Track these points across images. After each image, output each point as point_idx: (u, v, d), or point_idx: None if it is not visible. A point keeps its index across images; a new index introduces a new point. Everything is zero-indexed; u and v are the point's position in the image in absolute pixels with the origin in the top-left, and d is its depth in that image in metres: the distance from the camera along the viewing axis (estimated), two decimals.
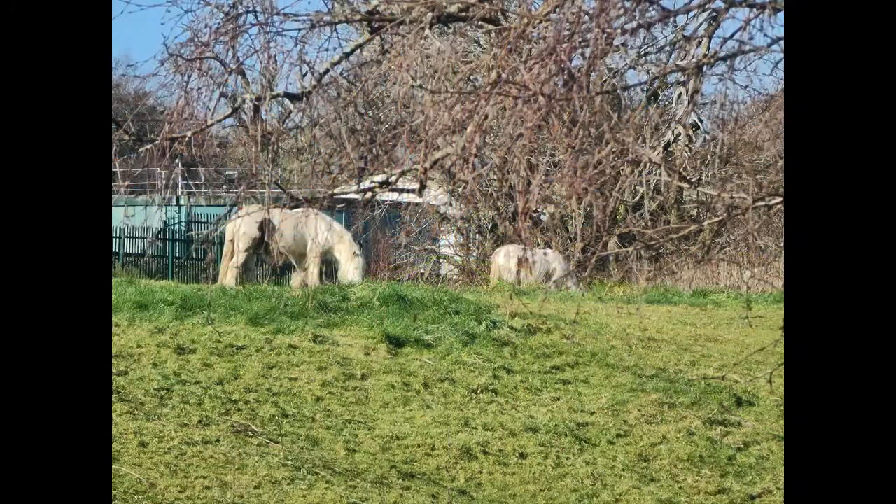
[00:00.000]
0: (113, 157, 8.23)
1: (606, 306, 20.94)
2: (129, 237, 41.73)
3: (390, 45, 8.86)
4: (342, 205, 31.95)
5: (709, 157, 33.57)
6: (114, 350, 14.29)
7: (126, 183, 9.24)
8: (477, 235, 39.03)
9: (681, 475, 13.35)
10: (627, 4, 7.32)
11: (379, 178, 8.60)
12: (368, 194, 8.90)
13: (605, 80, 8.81)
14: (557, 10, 7.35)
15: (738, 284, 29.40)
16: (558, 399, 15.09)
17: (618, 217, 36.26)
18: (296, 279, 25.40)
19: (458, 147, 7.59)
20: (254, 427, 12.79)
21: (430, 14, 8.24)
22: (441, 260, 40.10)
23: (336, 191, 8.88)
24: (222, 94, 8.87)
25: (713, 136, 35.71)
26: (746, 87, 31.92)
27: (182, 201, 48.68)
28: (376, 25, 8.55)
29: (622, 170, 9.14)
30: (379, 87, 10.66)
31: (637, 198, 37.48)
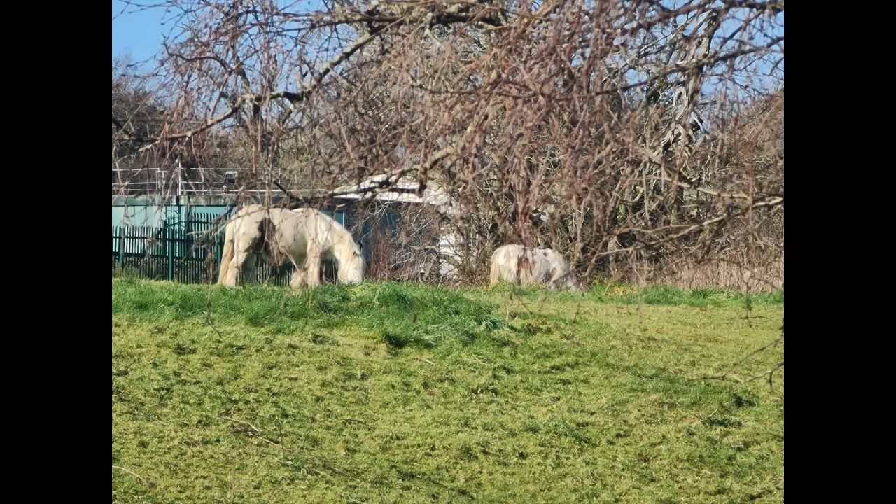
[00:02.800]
0: (113, 157, 8.23)
1: (606, 306, 20.95)
2: (129, 237, 41.72)
3: (390, 45, 8.85)
4: (342, 205, 31.95)
5: (709, 157, 33.57)
6: (114, 350, 14.29)
7: (126, 183, 9.20)
8: (477, 235, 39.04)
9: (681, 475, 13.35)
10: (627, 4, 7.32)
11: (379, 178, 8.59)
12: (368, 194, 8.90)
13: (605, 80, 8.81)
14: (557, 10, 7.35)
15: (738, 284, 29.40)
16: (558, 399, 15.09)
17: (618, 217, 36.27)
18: (296, 279, 25.41)
19: (458, 147, 7.59)
20: (254, 427, 12.79)
21: (430, 14, 8.24)
22: (441, 260, 40.10)
23: (336, 191, 8.88)
24: (222, 94, 8.87)
25: (713, 136, 35.71)
26: (746, 87, 31.87)
27: (182, 201, 48.68)
28: (376, 25, 8.55)
29: (622, 170, 9.15)
30: (379, 87, 10.65)
31: (637, 198, 37.49)
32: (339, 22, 8.96)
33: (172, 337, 15.16)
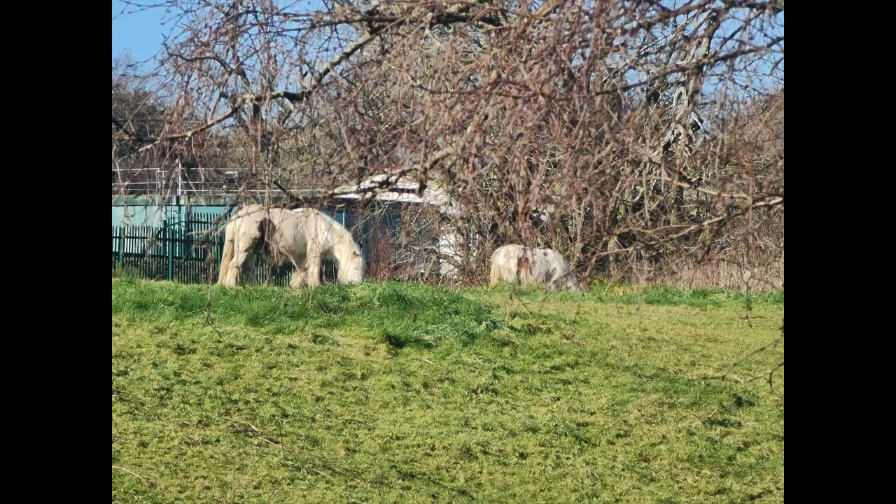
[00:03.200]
0: (113, 157, 8.23)
1: (606, 306, 20.95)
2: (129, 237, 41.72)
3: (390, 45, 8.86)
4: (342, 205, 31.96)
5: (709, 157, 33.57)
6: (114, 350, 14.29)
7: (126, 183, 9.21)
8: (477, 235, 39.04)
9: (681, 475, 13.35)
10: (627, 4, 7.32)
11: (379, 178, 8.60)
12: (368, 194, 8.90)
13: (605, 80, 8.81)
14: (557, 10, 7.35)
15: (738, 284, 29.40)
16: (558, 399, 15.09)
17: (618, 217, 36.27)
18: (296, 279, 25.41)
19: (458, 147, 7.59)
20: (254, 427, 12.80)
21: (430, 14, 8.24)
22: (441, 260, 40.10)
23: (336, 191, 8.88)
24: (222, 94, 8.87)
25: (713, 136, 35.72)
26: (746, 87, 31.89)
27: (182, 201, 48.69)
28: (376, 25, 8.55)
29: (622, 170, 9.15)
30: (379, 87, 10.65)
31: (637, 198, 37.49)
32: (339, 22, 8.97)
33: (172, 337, 15.16)
